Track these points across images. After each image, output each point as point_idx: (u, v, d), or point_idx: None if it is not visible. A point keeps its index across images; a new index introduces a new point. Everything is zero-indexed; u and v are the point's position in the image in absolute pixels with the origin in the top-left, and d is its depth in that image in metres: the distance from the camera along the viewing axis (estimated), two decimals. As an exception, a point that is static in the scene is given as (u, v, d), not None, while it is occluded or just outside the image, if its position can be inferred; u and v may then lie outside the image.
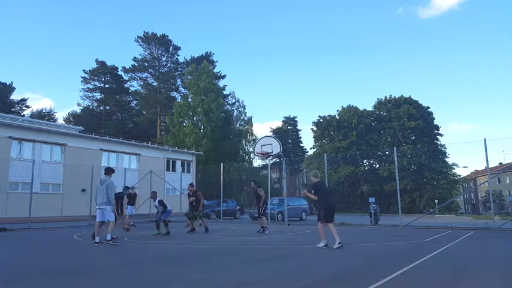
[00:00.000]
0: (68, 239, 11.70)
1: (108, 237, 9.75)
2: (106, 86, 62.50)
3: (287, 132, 77.49)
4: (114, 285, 5.15)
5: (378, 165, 50.81)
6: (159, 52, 62.26)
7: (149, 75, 63.07)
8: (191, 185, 13.98)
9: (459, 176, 49.95)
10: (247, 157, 48.10)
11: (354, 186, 45.37)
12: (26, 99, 60.45)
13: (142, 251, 8.94)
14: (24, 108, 59.82)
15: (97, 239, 9.74)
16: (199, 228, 13.75)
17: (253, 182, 14.96)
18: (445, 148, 45.97)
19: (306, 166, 57.07)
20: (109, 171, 10.57)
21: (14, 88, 59.10)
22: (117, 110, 64.57)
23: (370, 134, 51.08)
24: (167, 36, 61.12)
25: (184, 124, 47.18)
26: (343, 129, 51.81)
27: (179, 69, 63.36)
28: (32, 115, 54.64)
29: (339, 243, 8.47)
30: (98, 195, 10.14)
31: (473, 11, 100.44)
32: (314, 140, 55.90)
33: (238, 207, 27.10)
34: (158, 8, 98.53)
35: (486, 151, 14.14)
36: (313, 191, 9.02)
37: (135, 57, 61.50)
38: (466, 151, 27.07)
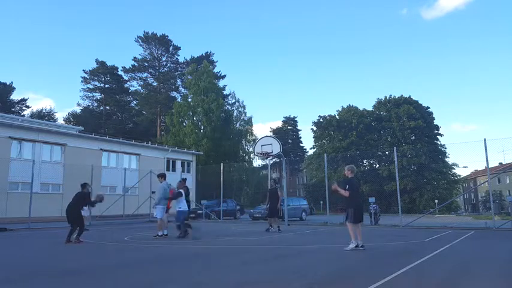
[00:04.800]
0: (68, 239, 11.66)
1: (166, 232, 11.76)
2: (106, 86, 62.52)
3: (287, 132, 77.50)
4: (114, 285, 5.15)
5: (377, 165, 50.81)
6: (159, 52, 62.29)
7: (149, 75, 63.12)
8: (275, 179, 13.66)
9: (459, 176, 50.01)
10: (247, 157, 48.11)
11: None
12: (26, 99, 60.59)
13: (142, 251, 8.94)
14: (24, 108, 59.93)
15: (162, 233, 11.66)
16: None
17: (273, 180, 15.00)
18: (445, 148, 46.04)
19: (306, 166, 57.07)
20: (164, 176, 12.42)
21: (14, 88, 59.22)
22: (117, 110, 64.58)
23: (370, 134, 51.06)
24: (167, 36, 61.21)
25: (184, 124, 47.18)
26: (343, 129, 51.80)
27: (179, 69, 63.41)
28: (32, 115, 54.66)
29: (361, 246, 8.19)
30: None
31: (478, 11, 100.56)
32: (314, 140, 55.93)
33: (238, 207, 27.07)
34: (158, 8, 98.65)
35: (486, 151, 14.14)
36: (347, 186, 8.36)
37: (135, 57, 61.61)
38: (466, 151, 27.05)
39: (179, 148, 37.66)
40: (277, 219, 14.23)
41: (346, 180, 8.70)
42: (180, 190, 11.48)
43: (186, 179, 13.28)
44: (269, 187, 14.92)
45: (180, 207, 11.31)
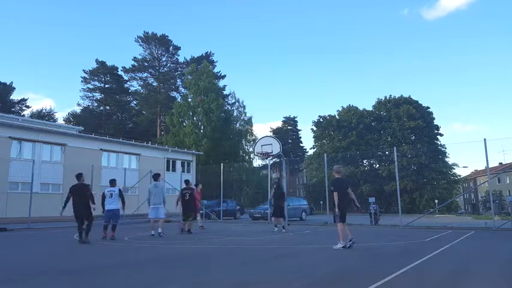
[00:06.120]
0: (68, 239, 11.69)
1: (160, 230, 11.74)
2: (106, 86, 62.52)
3: (287, 132, 77.48)
4: (114, 285, 5.15)
5: (377, 165, 50.81)
6: (159, 52, 62.29)
7: (149, 75, 63.12)
8: None
9: (459, 176, 49.99)
10: (247, 157, 48.10)
11: (354, 186, 45.23)
12: (26, 99, 60.62)
13: (142, 251, 8.94)
14: (24, 108, 59.96)
15: (152, 232, 11.74)
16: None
17: (276, 184, 15.20)
18: (445, 148, 46.02)
19: (306, 166, 57.07)
20: (157, 176, 12.52)
21: (14, 88, 59.26)
22: (117, 110, 64.58)
23: (370, 134, 51.07)
24: (167, 36, 61.22)
25: (184, 124, 47.19)
26: (343, 129, 51.81)
27: (179, 69, 63.40)
28: (32, 115, 54.68)
29: (351, 240, 8.35)
30: (152, 196, 12.06)
31: (479, 11, 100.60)
32: (314, 140, 55.95)
33: (238, 207, 27.07)
34: (158, 8, 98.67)
35: (486, 151, 14.13)
36: (331, 188, 8.65)
37: (135, 57, 61.61)
38: (466, 151, 27.08)
39: (179, 148, 37.65)
40: (275, 218, 14.31)
41: (332, 181, 9.08)
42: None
43: (188, 180, 14.10)
44: (274, 187, 14.90)
45: (112, 207, 11.30)
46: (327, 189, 17.26)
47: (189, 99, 48.54)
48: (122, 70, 61.91)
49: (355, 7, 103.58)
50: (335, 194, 8.54)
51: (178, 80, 63.10)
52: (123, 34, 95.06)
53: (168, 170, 33.30)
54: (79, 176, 10.40)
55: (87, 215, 10.09)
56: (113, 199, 11.21)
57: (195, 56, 60.71)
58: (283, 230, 13.57)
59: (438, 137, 50.92)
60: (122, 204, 11.40)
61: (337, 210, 8.52)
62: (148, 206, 12.16)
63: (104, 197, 11.41)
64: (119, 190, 11.43)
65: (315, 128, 55.43)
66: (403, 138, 48.93)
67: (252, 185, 47.53)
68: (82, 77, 61.37)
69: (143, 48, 61.45)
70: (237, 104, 51.02)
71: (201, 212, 16.24)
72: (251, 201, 44.44)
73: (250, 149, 47.29)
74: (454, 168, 47.67)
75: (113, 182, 11.65)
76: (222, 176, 22.54)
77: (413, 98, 50.45)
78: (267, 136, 19.78)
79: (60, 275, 5.80)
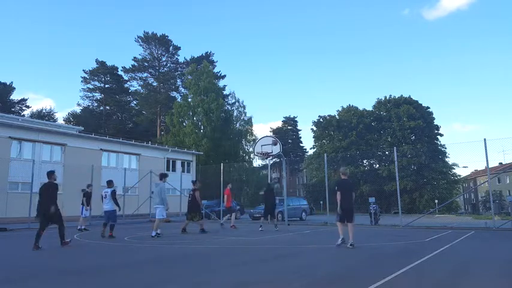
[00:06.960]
0: (68, 239, 11.66)
1: (153, 234, 11.22)
2: (106, 86, 62.52)
3: (287, 132, 77.48)
4: (114, 285, 5.14)
5: (377, 165, 50.79)
6: (159, 52, 62.28)
7: (149, 75, 63.12)
8: None
9: (459, 176, 49.96)
10: (247, 157, 48.11)
11: (354, 187, 45.34)
12: (26, 99, 60.61)
13: (142, 251, 8.94)
14: (24, 108, 59.95)
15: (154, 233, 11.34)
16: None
17: (266, 186, 15.76)
18: (445, 148, 46.00)
19: (306, 166, 57.07)
20: (161, 176, 12.07)
21: (14, 88, 59.25)
22: (117, 110, 64.57)
23: (370, 134, 51.04)
24: (167, 36, 61.22)
25: (184, 124, 47.19)
26: (343, 129, 51.79)
27: (179, 69, 63.40)
28: (32, 115, 54.68)
29: (350, 245, 8.47)
30: (154, 196, 11.97)
31: (481, 11, 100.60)
32: (314, 140, 55.93)
33: (238, 207, 27.04)
34: (158, 8, 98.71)
35: (486, 151, 14.13)
36: (335, 187, 8.95)
37: (135, 57, 61.61)
38: (466, 151, 27.05)
39: (179, 148, 37.65)
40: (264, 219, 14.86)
41: (336, 181, 9.31)
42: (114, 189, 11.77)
43: (193, 181, 14.41)
44: (264, 189, 15.61)
45: (107, 208, 11.46)
46: (327, 189, 17.25)
47: (189, 99, 48.55)
48: (122, 70, 62.02)
49: (355, 7, 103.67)
50: (338, 193, 8.79)
51: (178, 80, 63.13)
52: (123, 34, 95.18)
53: (168, 170, 33.27)
54: (50, 174, 9.55)
55: (54, 214, 9.19)
56: (107, 200, 11.46)
57: (195, 56, 60.79)
58: (276, 229, 14.15)
59: (438, 137, 50.92)
60: (115, 205, 11.48)
61: (338, 209, 8.77)
62: (160, 205, 12.19)
63: (102, 197, 11.77)
64: (111, 192, 11.55)
65: (315, 128, 55.42)
66: (403, 138, 48.90)
67: (252, 185, 47.53)
68: (82, 77, 61.48)
69: (143, 48, 61.55)
70: (237, 104, 51.10)
71: (235, 212, 17.29)
72: (251, 201, 44.45)
73: (250, 149, 47.29)
74: (454, 168, 47.71)
75: (109, 183, 11.88)
76: (222, 176, 22.53)
77: (413, 98, 50.50)
78: (267, 136, 19.78)
79: (60, 275, 5.80)
